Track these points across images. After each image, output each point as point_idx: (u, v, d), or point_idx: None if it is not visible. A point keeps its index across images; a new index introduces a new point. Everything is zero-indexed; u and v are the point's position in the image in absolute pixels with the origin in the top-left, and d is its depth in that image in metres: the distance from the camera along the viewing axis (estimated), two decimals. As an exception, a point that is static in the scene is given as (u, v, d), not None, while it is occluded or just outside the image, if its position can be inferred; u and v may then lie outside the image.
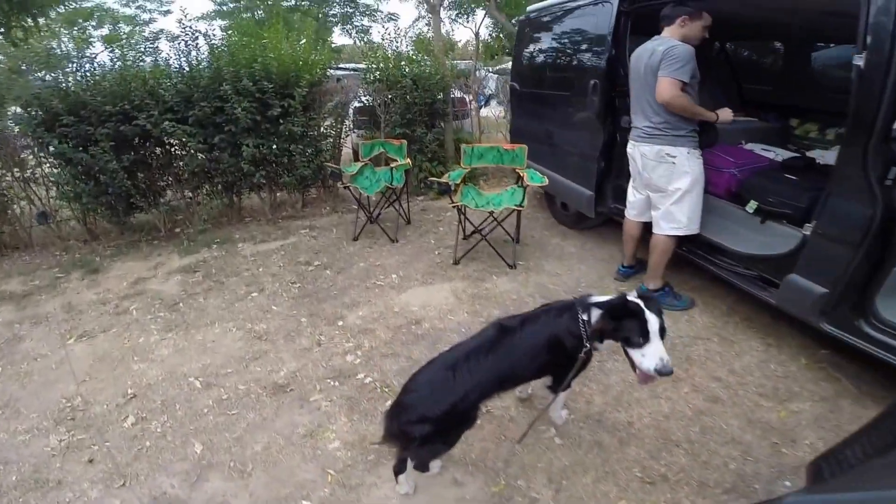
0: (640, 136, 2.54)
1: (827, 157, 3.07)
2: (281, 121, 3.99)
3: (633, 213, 2.80)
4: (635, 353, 1.37)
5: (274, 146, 4.06)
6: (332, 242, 3.86)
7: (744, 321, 2.53)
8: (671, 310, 2.58)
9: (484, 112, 6.60)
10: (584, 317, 1.47)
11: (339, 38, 16.88)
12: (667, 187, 2.48)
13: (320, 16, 14.95)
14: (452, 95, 5.27)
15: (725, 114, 2.45)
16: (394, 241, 3.76)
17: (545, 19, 3.71)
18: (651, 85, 2.37)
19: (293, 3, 14.55)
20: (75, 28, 13.25)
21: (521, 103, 4.19)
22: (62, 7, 9.79)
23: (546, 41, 3.67)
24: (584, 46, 3.17)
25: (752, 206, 2.64)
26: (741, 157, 3.01)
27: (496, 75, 8.25)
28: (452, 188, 3.08)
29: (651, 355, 1.34)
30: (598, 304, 1.47)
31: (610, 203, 3.22)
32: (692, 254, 2.71)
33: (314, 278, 3.23)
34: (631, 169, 2.71)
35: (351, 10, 15.25)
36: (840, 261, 1.87)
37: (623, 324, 1.38)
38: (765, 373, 2.12)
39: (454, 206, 3.22)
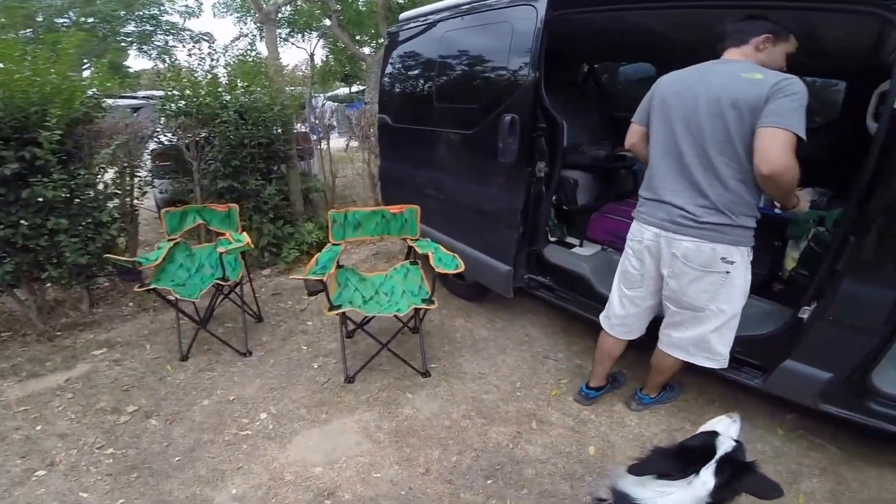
0: (680, 223, 1.58)
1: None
2: (23, 182, 2.41)
3: (621, 330, 1.92)
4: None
5: (22, 221, 2.43)
6: (148, 367, 2.46)
7: (702, 396, 2.20)
8: (666, 403, 2.14)
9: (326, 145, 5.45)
10: None
11: (136, 61, 13.55)
12: (707, 306, 1.62)
13: (108, 34, 11.62)
14: (296, 130, 4.14)
15: (804, 198, 1.64)
16: (245, 355, 2.52)
17: (428, 31, 2.86)
18: (730, 137, 1.45)
19: (69, 20, 11.02)
20: None
21: (395, 144, 3.29)
22: None
23: (431, 61, 2.80)
24: (492, 69, 2.41)
25: None
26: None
27: (331, 102, 7.35)
28: (326, 283, 2.03)
29: None
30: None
31: (523, 273, 2.55)
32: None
33: (135, 436, 1.97)
34: (630, 267, 1.81)
35: (151, 28, 12.38)
36: (853, 347, 1.62)
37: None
38: (757, 454, 1.86)
39: (335, 314, 2.15)
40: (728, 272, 1.54)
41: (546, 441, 1.94)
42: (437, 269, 2.09)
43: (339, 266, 2.42)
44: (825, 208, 2.27)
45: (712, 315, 1.62)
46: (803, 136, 1.34)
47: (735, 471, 0.93)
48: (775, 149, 1.34)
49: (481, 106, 2.41)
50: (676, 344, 1.76)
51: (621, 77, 4.84)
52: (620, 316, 1.90)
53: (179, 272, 2.55)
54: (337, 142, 5.53)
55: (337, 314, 2.13)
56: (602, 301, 2.36)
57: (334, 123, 5.18)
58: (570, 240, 2.82)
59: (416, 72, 2.97)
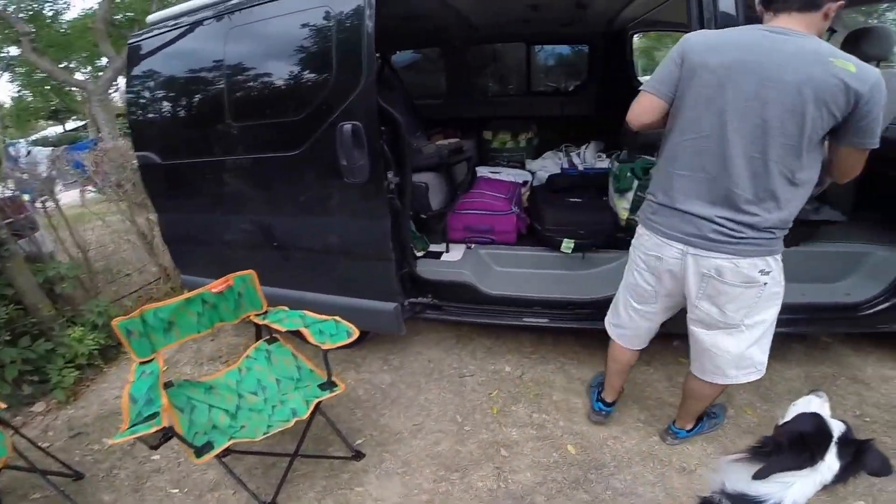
0: (713, 238, 1.28)
1: (588, 162, 3.20)
2: None
3: (631, 341, 1.67)
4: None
5: None
6: None
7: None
8: (712, 431, 1.83)
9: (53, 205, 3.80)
10: None
11: None
12: (743, 321, 1.36)
13: None
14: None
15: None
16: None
17: (203, 31, 2.10)
18: (801, 141, 1.14)
19: None
20: None
21: (174, 188, 2.41)
22: None
23: (214, 69, 2.06)
24: (315, 68, 1.87)
25: (567, 245, 2.35)
26: (506, 191, 2.70)
27: (41, 149, 5.44)
28: (168, 424, 1.27)
29: None
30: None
31: (404, 301, 2.13)
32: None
33: None
34: (643, 282, 1.50)
35: None
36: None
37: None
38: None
39: (207, 459, 1.39)
40: (766, 283, 1.30)
41: (527, 462, 1.77)
42: (324, 347, 1.55)
43: (167, 386, 1.60)
44: (629, 160, 2.62)
45: (750, 328, 1.38)
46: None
47: (856, 450, 0.91)
48: (861, 166, 1.19)
49: (305, 117, 1.89)
50: (714, 371, 1.48)
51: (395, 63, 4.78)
52: (630, 326, 1.63)
53: None
54: (68, 196, 3.91)
55: (211, 458, 1.38)
56: (493, 301, 2.23)
57: (55, 175, 3.60)
58: (433, 248, 2.58)
59: (190, 88, 2.18)
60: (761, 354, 1.43)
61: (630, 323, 1.61)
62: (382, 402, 2.15)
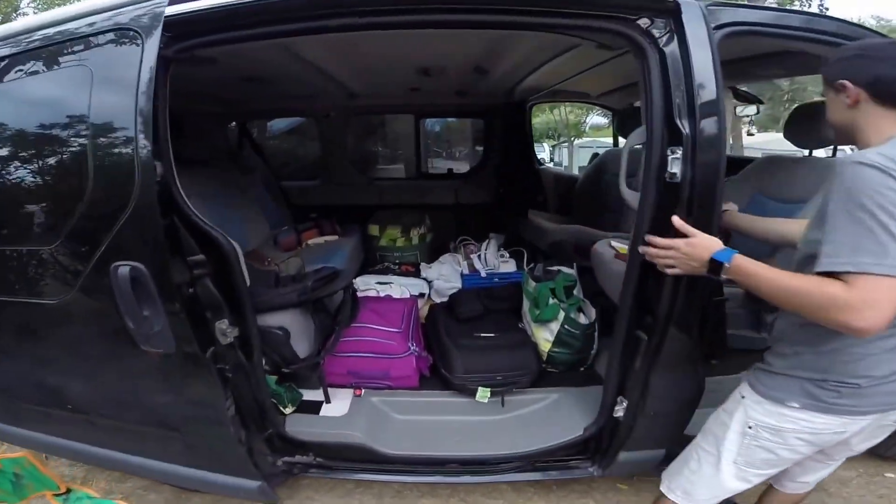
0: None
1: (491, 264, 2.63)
2: None
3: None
4: None
5: None
6: None
7: None
8: None
9: None
10: None
11: None
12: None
13: None
14: None
15: None
16: None
17: None
18: None
19: None
20: None
21: None
22: None
23: None
24: (53, 163, 1.21)
25: (483, 394, 1.81)
26: (399, 318, 2.07)
27: None
28: None
29: None
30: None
31: (274, 461, 1.58)
32: None
33: None
34: (787, 455, 1.16)
35: None
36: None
37: None
38: None
39: None
40: None
41: None
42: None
43: None
44: (545, 276, 2.19)
45: None
46: None
47: None
48: None
49: (61, 247, 1.17)
50: (812, 484, 1.35)
51: (270, 130, 4.18)
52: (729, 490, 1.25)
53: None
54: None
55: None
56: (395, 461, 1.65)
57: None
58: (308, 396, 1.84)
59: None
60: None
61: (732, 486, 1.26)
62: None
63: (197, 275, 1.18)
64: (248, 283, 1.41)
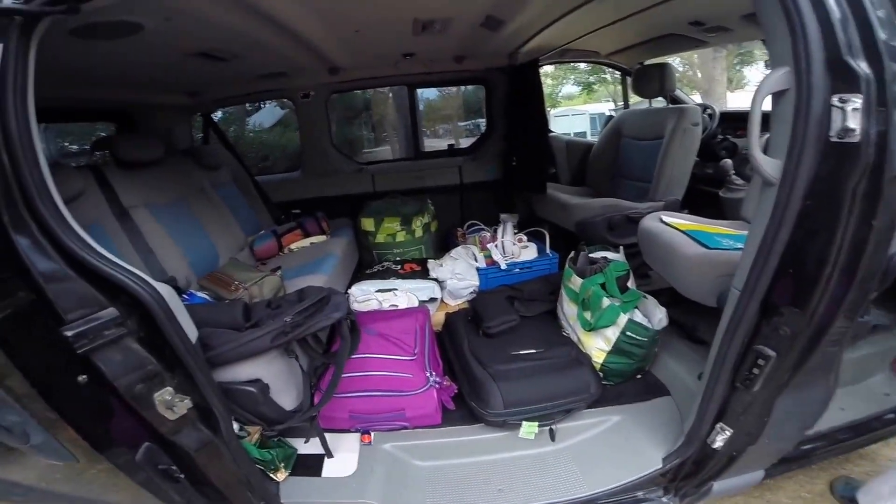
0: None
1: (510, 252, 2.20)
2: None
3: None
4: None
5: None
6: None
7: None
8: None
9: None
10: None
11: None
12: None
13: None
14: None
15: None
16: None
17: None
18: None
19: None
20: None
21: None
22: None
23: None
24: None
25: (530, 430, 1.44)
26: (412, 338, 1.66)
27: None
28: None
29: None
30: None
31: None
32: None
33: None
34: None
35: None
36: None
37: None
38: None
39: None
40: None
41: None
42: None
43: None
44: (589, 270, 1.74)
45: None
46: None
47: None
48: None
49: None
50: None
51: (251, 125, 3.84)
52: None
53: None
54: None
55: None
56: None
57: None
58: (305, 448, 1.45)
59: None
60: None
61: None
62: None
63: (99, 343, 0.77)
64: (198, 332, 1.00)
